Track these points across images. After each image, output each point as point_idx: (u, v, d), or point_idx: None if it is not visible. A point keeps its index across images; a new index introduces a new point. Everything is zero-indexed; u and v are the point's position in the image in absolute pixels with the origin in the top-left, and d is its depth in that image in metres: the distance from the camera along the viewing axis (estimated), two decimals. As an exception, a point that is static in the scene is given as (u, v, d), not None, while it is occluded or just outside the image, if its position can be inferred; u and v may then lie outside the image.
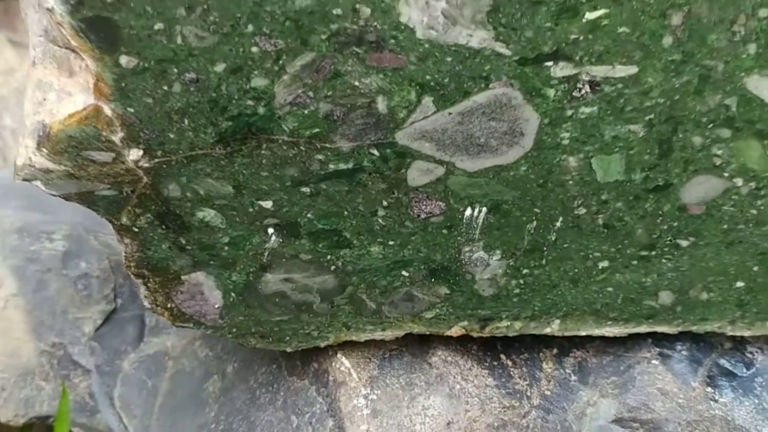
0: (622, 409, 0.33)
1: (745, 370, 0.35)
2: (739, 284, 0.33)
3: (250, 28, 0.25)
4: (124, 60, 0.25)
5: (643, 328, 0.34)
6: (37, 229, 0.47)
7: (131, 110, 0.26)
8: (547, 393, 0.33)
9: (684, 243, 0.32)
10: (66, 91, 0.27)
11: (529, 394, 0.33)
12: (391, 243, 0.31)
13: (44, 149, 0.26)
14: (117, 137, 0.27)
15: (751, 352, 0.36)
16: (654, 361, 0.34)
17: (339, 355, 0.34)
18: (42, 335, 0.43)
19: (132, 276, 0.30)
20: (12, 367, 0.42)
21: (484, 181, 0.29)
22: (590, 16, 0.26)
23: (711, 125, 0.29)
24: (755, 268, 0.32)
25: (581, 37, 0.26)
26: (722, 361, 0.35)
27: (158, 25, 0.25)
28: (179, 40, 0.25)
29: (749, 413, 0.33)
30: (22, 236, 0.47)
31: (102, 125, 0.26)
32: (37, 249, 0.46)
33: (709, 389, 0.33)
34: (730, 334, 0.34)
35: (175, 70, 0.26)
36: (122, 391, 0.39)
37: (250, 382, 0.35)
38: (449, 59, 0.26)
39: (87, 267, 0.47)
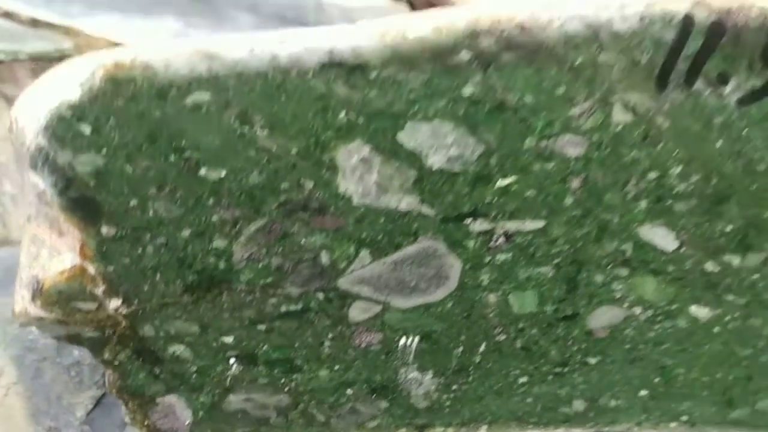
0: None
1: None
2: (643, 393, 0.37)
3: (211, 201, 0.29)
4: (104, 230, 0.30)
5: (561, 431, 0.39)
6: None
7: (111, 268, 0.30)
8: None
9: (592, 360, 0.36)
10: (56, 249, 0.31)
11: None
12: (336, 368, 0.35)
13: (38, 301, 0.31)
14: (99, 290, 0.31)
15: None
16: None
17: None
18: (39, 420, 0.46)
19: (115, 397, 0.34)
20: None
21: (415, 316, 0.34)
22: (501, 183, 0.30)
23: (610, 266, 0.33)
24: (656, 380, 0.37)
25: (495, 200, 0.31)
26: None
27: (133, 202, 0.29)
28: (151, 213, 0.29)
29: None
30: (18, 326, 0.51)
31: (87, 281, 0.30)
32: (35, 338, 0.50)
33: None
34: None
35: (148, 236, 0.30)
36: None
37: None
38: (382, 220, 0.31)
39: (79, 355, 0.50)
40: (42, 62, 0.93)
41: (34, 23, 0.93)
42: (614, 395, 0.37)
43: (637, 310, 0.34)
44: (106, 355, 0.33)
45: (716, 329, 0.35)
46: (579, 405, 0.37)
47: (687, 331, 0.35)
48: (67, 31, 0.94)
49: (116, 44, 0.95)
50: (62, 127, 0.27)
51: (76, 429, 0.45)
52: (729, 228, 0.32)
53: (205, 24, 1.02)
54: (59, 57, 0.85)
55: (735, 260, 0.33)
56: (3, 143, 0.76)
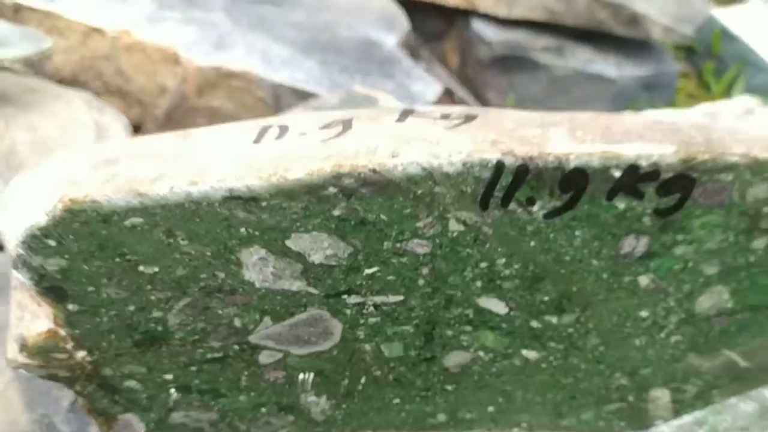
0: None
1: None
2: (491, 408, 0.48)
3: (149, 287, 0.39)
4: (70, 306, 0.39)
5: None
6: None
7: (77, 332, 0.40)
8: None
9: (449, 388, 0.46)
10: (36, 314, 0.40)
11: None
12: (252, 394, 0.45)
13: (24, 353, 0.40)
14: (69, 346, 0.40)
15: None
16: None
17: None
18: (33, 408, 0.56)
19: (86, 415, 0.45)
20: (14, 431, 0.57)
21: (309, 359, 0.44)
22: (367, 271, 0.40)
23: (457, 324, 0.43)
24: (500, 400, 0.47)
25: (363, 282, 0.40)
26: (485, 453, 0.50)
27: (90, 288, 0.39)
28: (104, 295, 0.39)
29: None
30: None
31: (59, 340, 0.40)
32: None
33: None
34: (490, 434, 0.50)
35: (103, 310, 0.39)
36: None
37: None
38: (279, 297, 0.40)
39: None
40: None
41: (17, 9, 0.99)
42: (468, 410, 0.47)
43: (481, 353, 0.44)
44: (77, 388, 0.43)
45: (543, 365, 0.45)
46: (442, 417, 0.48)
47: (521, 367, 0.45)
48: (47, 15, 1.00)
49: (94, 29, 1.01)
50: (34, 242, 0.36)
51: (63, 416, 0.56)
52: (546, 298, 0.42)
53: (180, 6, 1.08)
54: (40, 59, 0.91)
55: (553, 319, 0.43)
56: None
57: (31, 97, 0.91)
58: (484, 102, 1.43)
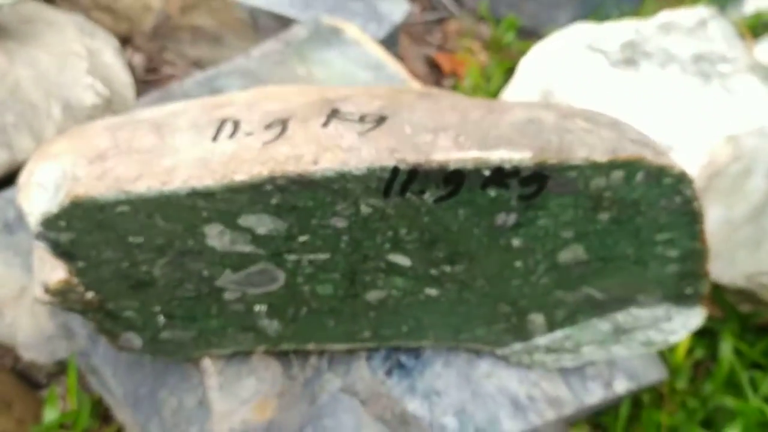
0: (344, 385, 0.62)
1: (414, 361, 0.64)
2: (404, 328, 0.61)
3: (137, 251, 0.51)
4: (79, 264, 0.51)
5: (358, 345, 0.63)
6: None
7: (85, 280, 0.53)
8: (308, 376, 0.62)
9: (371, 314, 0.59)
10: (54, 266, 0.52)
11: (299, 377, 0.62)
12: (220, 319, 0.58)
13: (47, 294, 0.53)
14: (80, 289, 0.53)
15: (422, 349, 0.65)
16: (363, 360, 0.63)
17: (205, 358, 0.63)
18: (55, 317, 0.70)
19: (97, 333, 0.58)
20: (42, 334, 0.70)
21: (262, 296, 0.56)
22: (301, 239, 0.52)
23: (373, 272, 0.55)
24: (411, 322, 0.60)
25: (298, 247, 0.52)
26: (402, 357, 0.64)
27: (93, 252, 0.51)
28: (104, 256, 0.51)
29: (402, 389, 0.62)
30: None
31: (72, 285, 0.52)
32: None
33: (385, 377, 0.62)
34: (404, 344, 0.64)
35: (104, 266, 0.52)
36: (103, 349, 0.68)
37: (165, 363, 0.65)
38: (235, 256, 0.52)
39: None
40: None
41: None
42: (387, 328, 0.61)
43: (393, 291, 0.57)
44: (89, 316, 0.56)
45: (443, 299, 0.58)
46: (367, 333, 0.61)
47: (425, 300, 0.58)
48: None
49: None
50: (49, 224, 0.48)
51: (79, 321, 0.70)
52: (441, 255, 0.54)
53: None
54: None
55: (447, 269, 0.55)
56: (2, 81, 0.90)
57: (27, 28, 0.98)
58: (461, 4, 1.48)
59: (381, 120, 0.50)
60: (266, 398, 0.60)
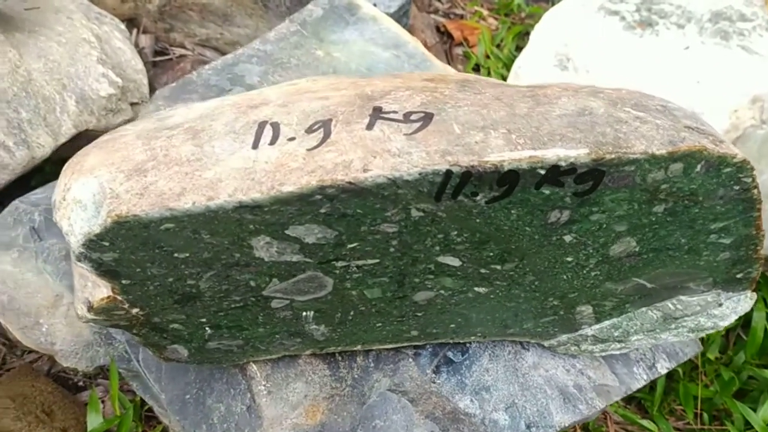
0: (392, 384, 0.60)
1: (460, 357, 0.62)
2: (452, 325, 0.59)
3: (183, 266, 0.48)
4: (124, 281, 0.49)
5: (405, 344, 0.61)
6: None
7: (130, 297, 0.50)
8: (356, 376, 0.60)
9: (419, 314, 0.56)
10: (97, 284, 0.50)
11: (347, 378, 0.60)
12: (267, 327, 0.55)
13: (91, 312, 0.50)
14: (125, 306, 0.50)
15: (468, 344, 0.63)
16: (410, 359, 0.61)
17: (251, 364, 0.60)
18: (92, 327, 0.68)
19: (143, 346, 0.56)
20: (80, 341, 0.68)
21: (309, 303, 0.53)
22: (350, 246, 0.49)
23: (422, 274, 0.52)
24: (459, 320, 0.58)
25: (347, 253, 0.49)
26: (449, 353, 0.62)
27: (138, 270, 0.48)
28: (149, 273, 0.48)
29: (451, 387, 0.60)
30: (68, 262, 0.69)
31: (117, 303, 0.50)
32: None
33: (434, 375, 0.60)
34: (452, 341, 0.61)
35: (149, 282, 0.49)
36: (144, 354, 0.66)
37: (210, 369, 0.62)
38: (283, 265, 0.49)
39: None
40: None
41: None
42: (434, 327, 0.58)
43: (442, 291, 0.54)
44: (134, 331, 0.53)
45: (491, 296, 0.55)
46: (414, 332, 0.59)
47: (473, 298, 0.55)
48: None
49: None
50: (92, 244, 0.45)
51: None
52: (491, 254, 0.51)
53: None
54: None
55: (497, 267, 0.52)
56: (12, 75, 0.86)
57: (33, 17, 0.94)
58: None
59: (427, 118, 0.47)
60: (316, 402, 0.58)
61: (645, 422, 0.81)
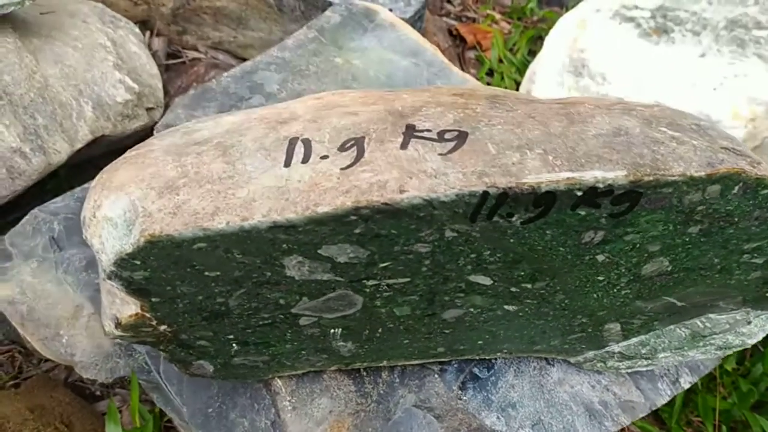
0: (417, 400, 0.60)
1: (486, 372, 0.61)
2: (479, 342, 0.58)
3: (213, 284, 0.48)
4: (153, 299, 0.48)
5: (431, 360, 0.60)
6: (97, 266, 0.69)
7: (159, 314, 0.49)
8: (381, 391, 0.60)
9: (447, 331, 0.56)
10: (125, 300, 0.49)
11: (372, 393, 0.59)
12: (295, 343, 0.55)
13: (119, 329, 0.50)
14: (153, 322, 0.50)
15: (494, 359, 0.62)
16: (435, 374, 0.60)
17: (276, 379, 0.60)
18: None
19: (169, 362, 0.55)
20: (100, 352, 0.67)
21: (337, 320, 0.53)
22: (382, 265, 0.48)
23: (453, 293, 0.52)
24: (486, 336, 0.57)
25: (379, 272, 0.49)
26: (474, 369, 0.61)
27: (168, 288, 0.47)
28: (179, 291, 0.48)
29: (478, 403, 0.60)
30: (89, 273, 0.69)
31: (145, 320, 0.49)
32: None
33: (460, 392, 0.59)
34: (478, 357, 0.61)
35: (178, 300, 0.48)
36: (165, 366, 0.65)
37: (234, 383, 0.62)
38: (313, 284, 0.49)
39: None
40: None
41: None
42: (461, 344, 0.58)
43: (471, 309, 0.54)
44: (161, 347, 0.53)
45: (520, 314, 0.55)
46: (441, 349, 0.58)
47: (503, 315, 0.55)
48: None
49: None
50: (123, 263, 0.45)
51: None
52: (522, 273, 0.50)
53: None
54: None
55: (528, 285, 0.52)
56: (28, 81, 0.84)
57: (49, 21, 0.93)
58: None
59: (461, 137, 0.47)
60: (341, 417, 0.58)
61: (663, 434, 0.81)
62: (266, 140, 0.49)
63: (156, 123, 1.07)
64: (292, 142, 0.48)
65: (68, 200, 0.75)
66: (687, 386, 0.67)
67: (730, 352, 0.60)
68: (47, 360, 0.79)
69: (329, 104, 0.54)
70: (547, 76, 1.17)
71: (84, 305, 0.67)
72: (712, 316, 0.57)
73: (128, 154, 0.52)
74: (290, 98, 0.83)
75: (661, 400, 0.64)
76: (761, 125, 1.00)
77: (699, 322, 0.57)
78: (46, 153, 0.86)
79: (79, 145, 0.90)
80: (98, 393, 0.77)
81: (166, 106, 1.09)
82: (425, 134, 0.47)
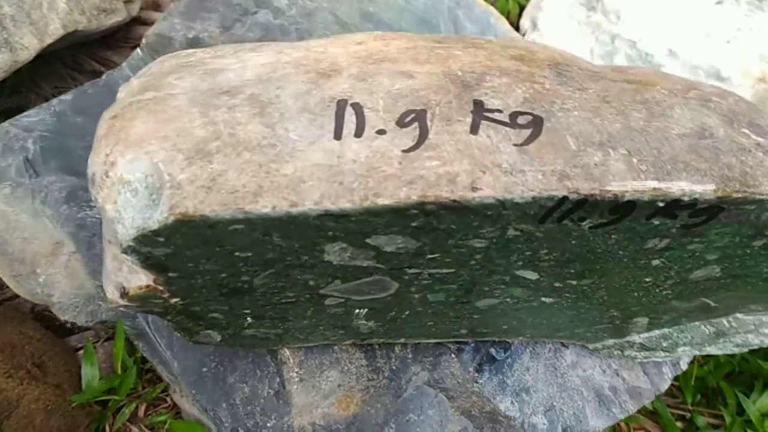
0: (430, 379, 0.57)
1: (503, 354, 0.58)
2: (504, 326, 0.55)
3: (241, 264, 0.42)
4: (170, 274, 0.42)
5: (451, 341, 0.57)
6: (80, 198, 0.61)
7: (173, 288, 0.43)
8: (394, 367, 0.56)
9: (476, 317, 0.52)
10: (134, 269, 0.43)
11: (384, 369, 0.56)
12: (314, 320, 0.50)
13: (125, 299, 0.44)
14: (165, 295, 0.44)
15: (512, 340, 0.59)
16: (452, 354, 0.57)
17: (284, 349, 0.55)
18: (96, 276, 0.60)
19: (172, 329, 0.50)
20: (81, 294, 0.61)
21: (366, 302, 0.48)
22: (429, 256, 0.43)
23: (494, 284, 0.48)
24: (513, 322, 0.54)
25: (424, 262, 0.44)
26: (491, 350, 0.58)
27: (190, 265, 0.41)
28: (201, 268, 0.42)
29: (493, 387, 0.57)
30: (70, 205, 0.60)
31: (156, 292, 0.43)
32: (83, 216, 0.60)
33: (476, 374, 0.57)
34: (498, 339, 0.58)
35: (198, 276, 0.43)
36: (153, 317, 0.60)
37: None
38: (350, 269, 0.44)
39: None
40: None
41: None
42: (486, 328, 0.54)
43: (508, 299, 0.50)
44: (168, 318, 0.47)
45: (555, 306, 0.51)
46: (464, 331, 0.55)
47: (538, 306, 0.51)
48: None
49: None
50: (145, 239, 0.38)
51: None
52: (572, 271, 0.46)
53: None
54: None
55: (573, 282, 0.48)
56: None
57: None
58: None
59: (537, 124, 0.41)
60: (350, 392, 0.54)
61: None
62: (309, 99, 0.42)
63: (134, 18, 0.96)
64: (341, 106, 0.42)
65: (44, 114, 0.66)
66: (686, 367, 0.67)
67: (746, 349, 0.59)
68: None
69: (374, 54, 0.47)
70: (556, 6, 1.10)
71: (64, 242, 0.60)
72: (739, 316, 0.55)
73: (143, 96, 0.44)
74: (300, 17, 0.74)
75: (665, 385, 0.63)
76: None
77: (725, 321, 0.56)
78: (13, 49, 0.75)
79: (49, 41, 0.79)
80: (69, 325, 0.71)
81: (155, 6, 0.98)
82: (496, 115, 0.41)
